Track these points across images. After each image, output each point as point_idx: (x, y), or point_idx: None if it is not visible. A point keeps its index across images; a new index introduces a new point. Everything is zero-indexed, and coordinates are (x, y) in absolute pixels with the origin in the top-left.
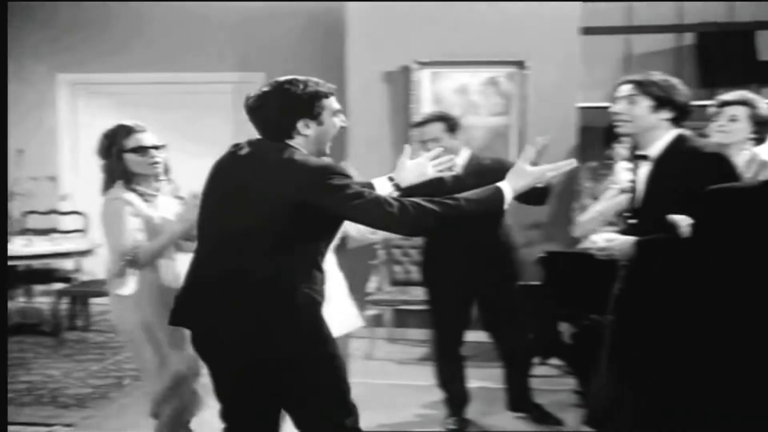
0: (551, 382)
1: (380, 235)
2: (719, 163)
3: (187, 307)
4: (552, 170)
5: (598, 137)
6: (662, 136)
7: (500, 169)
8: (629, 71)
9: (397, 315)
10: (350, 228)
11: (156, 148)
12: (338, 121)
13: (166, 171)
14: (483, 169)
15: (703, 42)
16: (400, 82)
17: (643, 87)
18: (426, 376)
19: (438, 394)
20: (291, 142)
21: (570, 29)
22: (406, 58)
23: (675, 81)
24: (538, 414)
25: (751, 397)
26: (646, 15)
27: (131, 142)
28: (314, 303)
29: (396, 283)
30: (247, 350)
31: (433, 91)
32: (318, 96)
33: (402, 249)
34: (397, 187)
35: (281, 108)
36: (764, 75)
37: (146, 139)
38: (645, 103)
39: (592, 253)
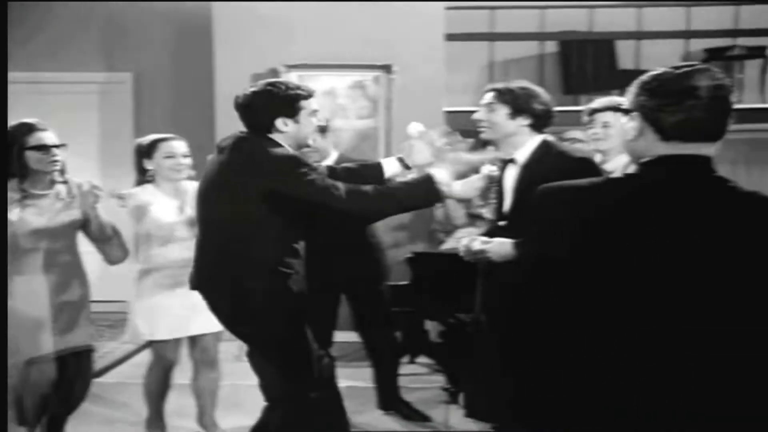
0: (420, 379)
1: None
2: (585, 166)
3: (195, 277)
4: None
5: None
6: (525, 142)
7: (365, 172)
8: (493, 77)
9: None
10: None
11: (57, 147)
12: (315, 120)
13: (62, 171)
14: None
15: (565, 50)
16: None
17: (501, 95)
18: None
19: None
20: (271, 137)
21: (435, 35)
22: (274, 61)
23: (534, 89)
24: (407, 411)
25: (622, 386)
26: (509, 22)
27: (32, 140)
28: (284, 281)
29: None
30: (231, 315)
31: None
32: (297, 98)
33: None
34: (406, 166)
35: (263, 107)
36: (624, 82)
37: (47, 137)
38: (503, 111)
39: (458, 254)
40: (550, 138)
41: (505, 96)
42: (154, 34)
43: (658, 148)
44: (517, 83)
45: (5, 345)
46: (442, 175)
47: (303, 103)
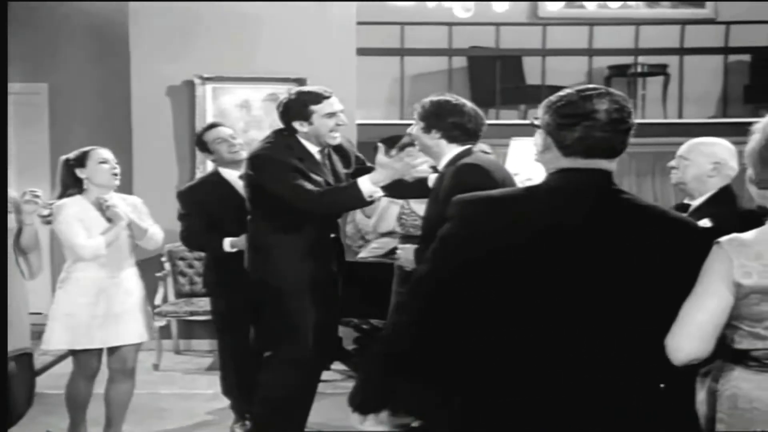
0: (335, 386)
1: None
2: (476, 177)
3: None
4: (412, 166)
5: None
6: (445, 153)
7: None
8: (403, 90)
9: (184, 326)
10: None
11: None
12: (332, 121)
13: None
14: None
15: (473, 65)
16: (184, 96)
17: (419, 110)
18: (211, 385)
19: (224, 402)
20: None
21: (348, 50)
22: (189, 73)
23: (449, 102)
24: None
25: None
26: (418, 38)
27: None
28: (287, 260)
29: (181, 294)
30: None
31: (216, 105)
32: (306, 103)
33: (186, 261)
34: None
35: (281, 113)
36: (530, 97)
37: None
38: (418, 126)
39: (370, 261)
40: (473, 148)
41: (419, 111)
42: (71, 45)
43: (561, 161)
44: (436, 97)
45: (5, 344)
46: (367, 183)
47: (313, 107)
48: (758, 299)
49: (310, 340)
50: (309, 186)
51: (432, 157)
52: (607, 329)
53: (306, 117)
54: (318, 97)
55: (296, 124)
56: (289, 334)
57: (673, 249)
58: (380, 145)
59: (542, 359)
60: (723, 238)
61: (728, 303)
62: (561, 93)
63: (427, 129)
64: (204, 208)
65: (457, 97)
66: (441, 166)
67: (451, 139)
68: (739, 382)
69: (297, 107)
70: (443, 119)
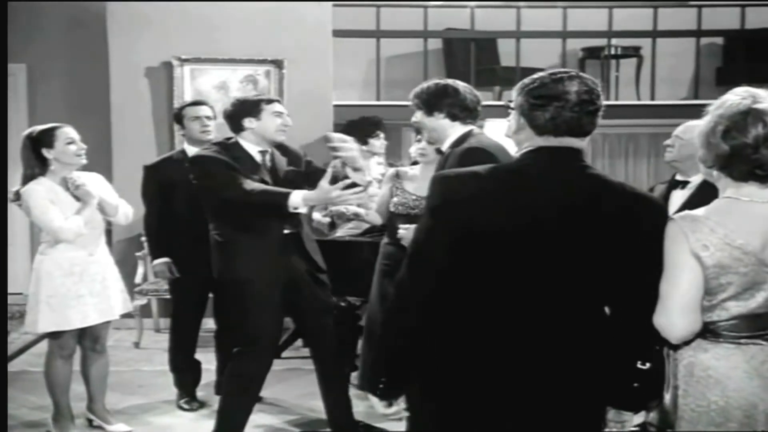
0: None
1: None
2: (475, 157)
3: None
4: (339, 195)
5: (353, 133)
6: (450, 133)
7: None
8: (379, 72)
9: (164, 305)
10: None
11: None
12: (280, 121)
13: None
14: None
15: (448, 47)
16: (162, 78)
17: (415, 98)
18: None
19: (203, 379)
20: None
21: (324, 32)
22: (167, 54)
23: (443, 85)
24: None
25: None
26: (394, 20)
27: None
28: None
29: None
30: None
31: (194, 86)
32: (258, 102)
33: None
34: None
35: (231, 113)
36: (505, 79)
37: None
38: (420, 112)
39: (347, 240)
40: (475, 129)
41: (418, 99)
42: (48, 25)
43: (534, 140)
44: (430, 82)
45: (5, 344)
46: (298, 197)
47: (265, 106)
48: (715, 273)
49: (265, 335)
50: (240, 179)
51: (437, 139)
52: (573, 294)
53: (256, 114)
54: (269, 100)
55: (245, 122)
56: (245, 331)
57: (637, 221)
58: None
59: (510, 323)
60: (676, 215)
61: (700, 272)
62: (534, 76)
63: (429, 112)
64: (163, 188)
65: (447, 80)
66: (445, 146)
67: (454, 118)
68: (697, 351)
69: (249, 105)
70: (442, 99)
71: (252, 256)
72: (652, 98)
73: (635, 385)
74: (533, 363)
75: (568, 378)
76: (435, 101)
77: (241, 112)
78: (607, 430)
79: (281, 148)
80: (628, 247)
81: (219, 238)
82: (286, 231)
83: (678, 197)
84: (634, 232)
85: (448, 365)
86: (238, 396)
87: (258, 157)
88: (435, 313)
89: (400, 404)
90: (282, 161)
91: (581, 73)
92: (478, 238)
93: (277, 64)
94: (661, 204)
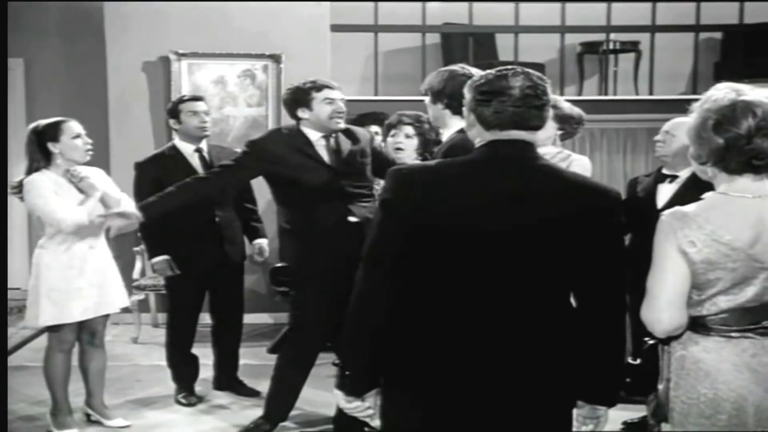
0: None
1: None
2: (455, 148)
3: None
4: None
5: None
6: (450, 125)
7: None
8: (377, 67)
9: (162, 300)
10: None
11: None
12: (330, 108)
13: None
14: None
15: (447, 42)
16: (160, 72)
17: (425, 86)
18: None
19: (202, 374)
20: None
21: (322, 26)
22: (165, 49)
23: (452, 73)
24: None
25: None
26: (392, 15)
27: None
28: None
29: None
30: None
31: (192, 81)
32: (308, 90)
33: None
34: None
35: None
36: None
37: None
38: (427, 98)
39: None
40: None
41: (426, 84)
42: (45, 20)
43: (484, 135)
44: (443, 69)
45: (5, 343)
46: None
47: (315, 94)
48: (704, 269)
49: (314, 328)
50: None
51: (440, 128)
52: (529, 285)
53: (307, 104)
54: (317, 85)
55: (299, 112)
56: (296, 323)
57: (591, 211)
58: None
59: (468, 317)
60: (666, 212)
61: (686, 270)
62: (482, 73)
63: (433, 101)
64: (156, 185)
65: (464, 67)
66: (444, 138)
67: (454, 110)
68: (688, 344)
69: (300, 95)
70: (443, 90)
71: (316, 243)
72: (650, 93)
73: (627, 380)
74: (494, 355)
75: (529, 368)
76: (437, 91)
77: (294, 103)
78: (583, 428)
79: (347, 131)
80: (582, 236)
81: (286, 225)
82: (352, 219)
83: (666, 191)
84: (587, 222)
85: (410, 362)
86: (294, 369)
87: (323, 142)
88: (393, 308)
89: (365, 400)
90: (346, 144)
91: (528, 70)
92: (431, 232)
93: (275, 58)
94: (615, 193)
